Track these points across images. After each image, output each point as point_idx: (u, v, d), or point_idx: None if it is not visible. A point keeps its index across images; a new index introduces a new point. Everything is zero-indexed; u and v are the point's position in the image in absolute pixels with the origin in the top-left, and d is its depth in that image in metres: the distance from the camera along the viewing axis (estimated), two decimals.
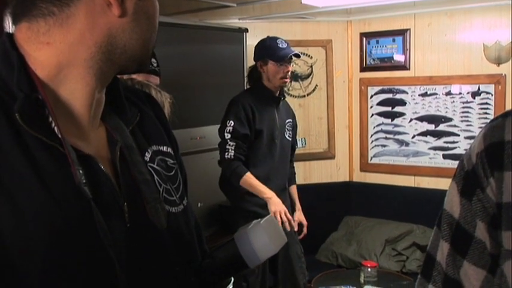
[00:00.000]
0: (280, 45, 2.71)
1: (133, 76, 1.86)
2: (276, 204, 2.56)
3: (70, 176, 0.64)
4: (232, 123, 2.63)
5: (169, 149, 0.84)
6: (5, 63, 0.65)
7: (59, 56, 0.66)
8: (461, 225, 0.72)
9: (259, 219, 0.89)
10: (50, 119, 0.64)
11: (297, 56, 2.73)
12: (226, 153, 2.62)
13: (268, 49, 2.76)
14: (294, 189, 3.02)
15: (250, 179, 2.60)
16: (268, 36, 2.83)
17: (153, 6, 0.73)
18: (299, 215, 3.00)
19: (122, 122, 0.78)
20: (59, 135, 0.64)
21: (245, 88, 2.87)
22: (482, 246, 0.69)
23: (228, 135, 2.63)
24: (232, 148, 2.61)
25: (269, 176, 2.72)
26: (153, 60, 2.15)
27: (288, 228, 2.58)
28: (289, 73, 2.72)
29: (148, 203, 0.73)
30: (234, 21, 3.65)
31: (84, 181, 0.65)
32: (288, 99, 3.71)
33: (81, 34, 0.66)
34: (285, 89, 3.76)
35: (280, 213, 2.56)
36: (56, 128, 0.64)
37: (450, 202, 0.75)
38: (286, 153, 2.86)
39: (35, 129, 0.63)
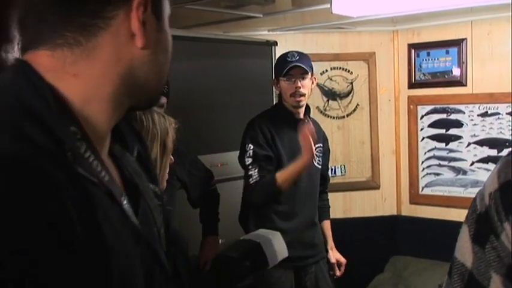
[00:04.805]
0: (289, 59, 2.72)
1: None
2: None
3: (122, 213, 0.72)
4: (252, 147, 2.67)
5: (156, 189, 0.91)
6: (36, 96, 0.66)
7: (86, 89, 0.70)
8: (474, 276, 0.71)
9: (267, 230, 1.41)
10: (87, 155, 0.68)
11: (301, 68, 2.70)
12: (251, 179, 2.64)
13: (276, 65, 2.81)
14: (327, 225, 3.00)
15: (281, 175, 2.60)
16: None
17: (169, 40, 0.80)
18: (335, 254, 2.99)
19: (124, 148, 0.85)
20: (103, 173, 0.69)
21: None
22: None
23: (249, 160, 2.66)
24: (256, 171, 2.63)
25: (294, 209, 2.71)
26: None
27: None
28: (301, 89, 2.69)
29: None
30: (263, 33, 3.71)
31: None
32: (325, 120, 3.74)
33: (107, 66, 0.71)
34: (321, 109, 3.80)
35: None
36: (99, 165, 0.69)
37: (461, 249, 0.74)
38: (315, 182, 2.85)
39: (82, 167, 0.66)
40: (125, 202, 0.73)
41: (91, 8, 0.69)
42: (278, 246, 1.24)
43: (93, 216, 0.64)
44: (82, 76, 0.70)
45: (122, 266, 0.66)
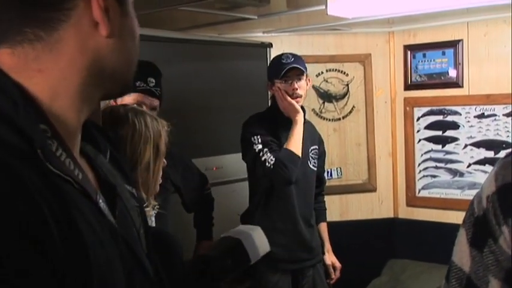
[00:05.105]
0: (284, 61, 2.71)
1: (125, 99, 1.90)
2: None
3: (97, 210, 0.71)
4: (258, 135, 2.64)
5: (133, 190, 0.91)
6: (2, 95, 0.65)
7: (52, 84, 0.69)
8: (472, 281, 0.70)
9: (248, 225, 1.38)
10: (59, 153, 0.66)
11: (298, 69, 2.69)
12: (267, 163, 2.58)
13: (271, 67, 2.81)
14: (323, 228, 2.99)
15: (289, 144, 2.61)
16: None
17: (136, 25, 0.78)
18: (331, 257, 2.99)
19: (96, 150, 0.84)
20: (76, 171, 0.68)
21: None
22: None
23: (259, 146, 2.62)
24: (269, 154, 2.59)
25: (290, 211, 2.70)
26: (151, 79, 2.18)
27: None
28: (298, 91, 2.68)
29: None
30: (258, 35, 3.70)
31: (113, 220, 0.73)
32: (321, 122, 3.74)
33: (72, 59, 0.70)
34: (317, 111, 3.80)
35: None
36: (72, 163, 0.67)
37: (459, 253, 0.73)
38: (311, 185, 2.84)
39: (54, 166, 0.65)
40: (100, 201, 0.71)
41: (48, 1, 0.68)
42: (259, 241, 1.25)
43: (68, 214, 0.62)
44: (47, 71, 0.68)
45: (101, 264, 0.64)
